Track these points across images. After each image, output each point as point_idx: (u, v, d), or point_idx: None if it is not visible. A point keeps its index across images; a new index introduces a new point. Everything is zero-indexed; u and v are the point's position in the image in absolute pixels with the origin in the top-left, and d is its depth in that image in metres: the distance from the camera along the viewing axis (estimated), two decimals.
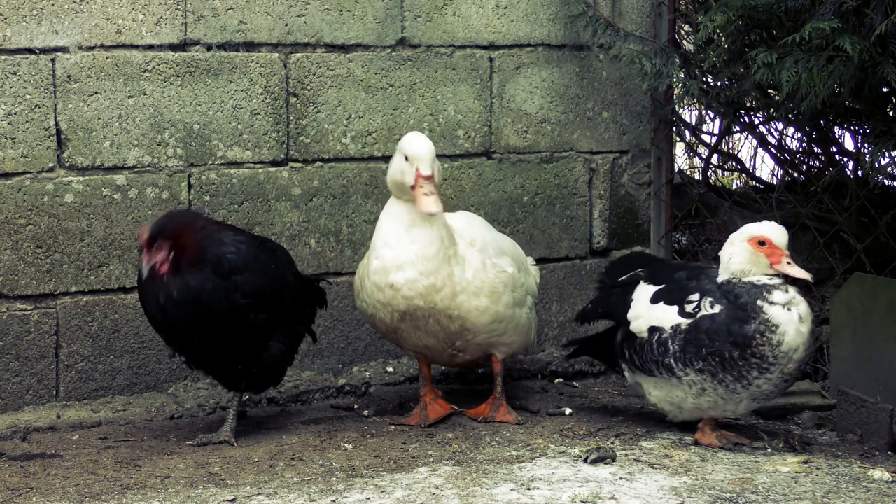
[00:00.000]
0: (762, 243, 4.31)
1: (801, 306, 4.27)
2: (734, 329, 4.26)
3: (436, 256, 4.43)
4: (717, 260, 4.50)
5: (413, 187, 4.38)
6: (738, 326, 4.26)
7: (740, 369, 4.28)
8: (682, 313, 4.39)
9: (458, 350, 4.67)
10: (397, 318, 4.51)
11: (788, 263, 4.29)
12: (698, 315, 4.35)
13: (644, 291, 4.54)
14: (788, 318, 4.23)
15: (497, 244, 4.72)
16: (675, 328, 4.38)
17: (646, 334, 4.46)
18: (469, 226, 4.69)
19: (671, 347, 4.38)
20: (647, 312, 4.48)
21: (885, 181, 5.72)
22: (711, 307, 4.34)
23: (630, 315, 4.53)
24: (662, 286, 4.50)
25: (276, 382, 4.69)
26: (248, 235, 4.58)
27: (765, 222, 4.40)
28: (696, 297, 4.39)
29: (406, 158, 4.42)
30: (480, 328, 4.59)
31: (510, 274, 4.64)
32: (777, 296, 4.26)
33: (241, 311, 4.35)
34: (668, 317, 4.41)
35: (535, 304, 4.97)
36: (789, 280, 4.31)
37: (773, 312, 4.24)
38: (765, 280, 4.29)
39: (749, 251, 4.32)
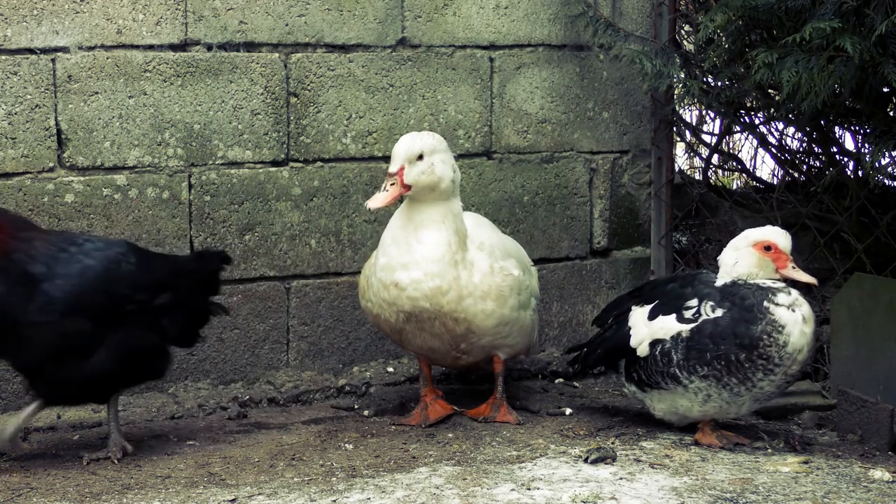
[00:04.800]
0: (768, 248, 4.32)
1: (804, 307, 4.28)
2: (740, 330, 4.26)
3: (441, 259, 4.43)
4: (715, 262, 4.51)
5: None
6: (745, 328, 4.26)
7: (746, 371, 4.28)
8: (682, 319, 4.38)
9: (462, 352, 4.67)
10: (402, 318, 4.51)
11: (794, 268, 4.31)
12: (700, 320, 4.35)
13: (640, 314, 4.54)
14: (793, 318, 4.24)
15: (503, 246, 4.72)
16: (676, 337, 4.38)
17: (648, 350, 4.46)
18: (477, 227, 4.68)
19: (674, 357, 4.37)
20: (648, 330, 4.48)
21: (886, 181, 5.71)
22: (713, 311, 4.33)
23: (633, 342, 4.51)
24: (656, 301, 4.51)
25: (98, 398, 4.33)
26: (71, 242, 4.19)
27: (768, 227, 4.41)
28: (694, 302, 4.38)
29: None
30: (486, 331, 4.59)
31: (516, 277, 4.63)
32: (782, 297, 4.27)
33: (46, 321, 4.04)
34: (667, 326, 4.41)
35: (538, 304, 4.97)
36: (790, 283, 4.32)
37: (780, 313, 4.24)
38: (769, 283, 4.30)
39: (756, 256, 4.32)
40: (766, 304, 4.26)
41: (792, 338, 4.23)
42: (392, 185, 4.36)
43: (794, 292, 4.30)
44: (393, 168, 4.38)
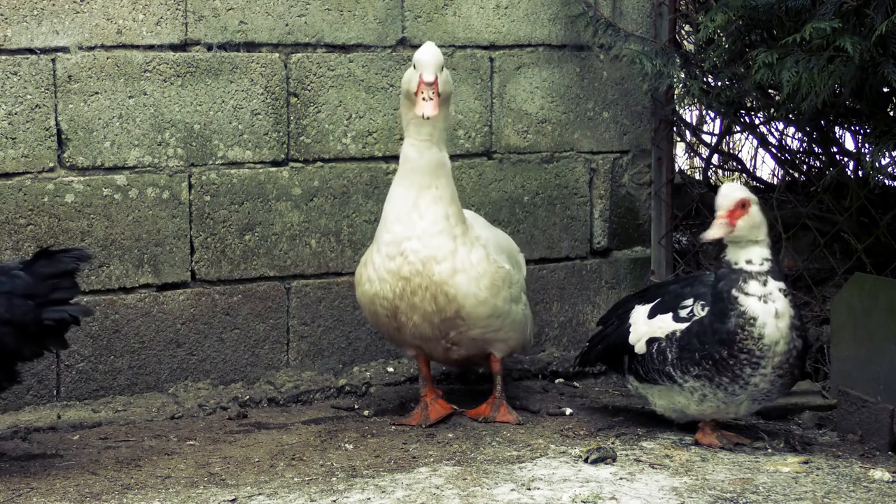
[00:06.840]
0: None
1: (780, 302, 4.24)
2: (717, 327, 4.27)
3: (441, 233, 4.48)
4: (718, 260, 4.50)
5: (416, 93, 4.40)
6: (721, 323, 4.26)
7: (732, 368, 4.28)
8: (677, 318, 4.39)
9: (452, 343, 4.66)
10: (398, 291, 4.51)
11: (716, 225, 4.25)
12: (692, 320, 4.35)
13: (640, 312, 4.55)
14: (765, 310, 4.22)
15: (497, 242, 4.77)
16: (671, 335, 4.39)
17: (645, 348, 4.47)
18: (473, 224, 4.71)
19: (669, 355, 4.38)
20: (647, 328, 4.48)
21: (886, 181, 5.72)
22: (702, 310, 4.34)
23: (632, 339, 4.53)
24: (657, 300, 4.51)
25: None
26: None
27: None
28: (689, 301, 4.39)
29: (414, 67, 4.45)
30: (476, 320, 4.59)
31: (507, 270, 4.66)
32: (753, 286, 4.24)
33: None
34: (664, 325, 4.42)
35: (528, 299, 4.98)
36: (776, 273, 4.28)
37: (749, 304, 4.23)
38: (743, 265, 4.28)
39: None
40: (734, 292, 4.24)
41: (766, 329, 4.22)
42: (433, 93, 4.35)
43: (772, 284, 4.26)
44: (430, 77, 4.37)
